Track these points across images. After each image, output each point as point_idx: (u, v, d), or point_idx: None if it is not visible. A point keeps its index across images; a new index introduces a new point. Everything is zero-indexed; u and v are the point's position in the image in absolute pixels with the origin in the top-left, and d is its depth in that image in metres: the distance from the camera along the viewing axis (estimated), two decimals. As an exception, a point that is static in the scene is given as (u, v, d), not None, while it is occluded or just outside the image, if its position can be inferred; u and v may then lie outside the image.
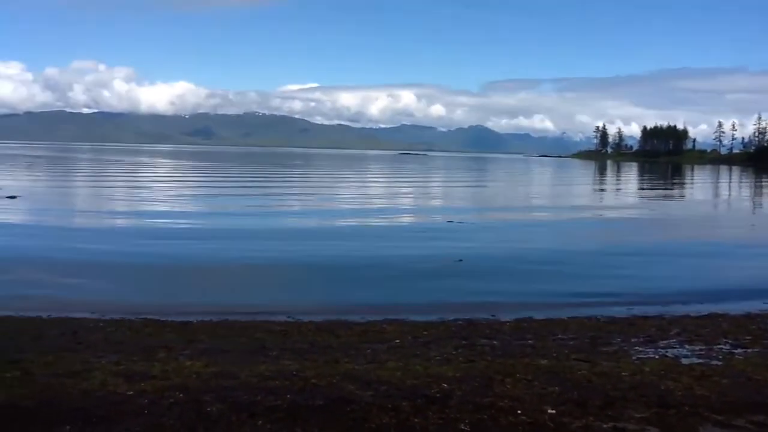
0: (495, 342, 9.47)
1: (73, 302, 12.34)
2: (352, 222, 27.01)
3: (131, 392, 6.56)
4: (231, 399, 6.33)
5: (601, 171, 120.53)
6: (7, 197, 32.71)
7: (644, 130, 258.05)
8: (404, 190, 54.39)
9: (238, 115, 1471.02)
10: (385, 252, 19.20)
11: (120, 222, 27.22)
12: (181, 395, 6.42)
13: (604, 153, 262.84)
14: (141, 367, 7.59)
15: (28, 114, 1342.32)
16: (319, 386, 6.86)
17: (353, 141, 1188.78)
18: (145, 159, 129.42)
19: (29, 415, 5.88)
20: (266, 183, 56.05)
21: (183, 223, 26.02)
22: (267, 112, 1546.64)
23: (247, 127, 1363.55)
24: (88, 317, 10.93)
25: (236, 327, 10.52)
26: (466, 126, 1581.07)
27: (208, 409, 6.04)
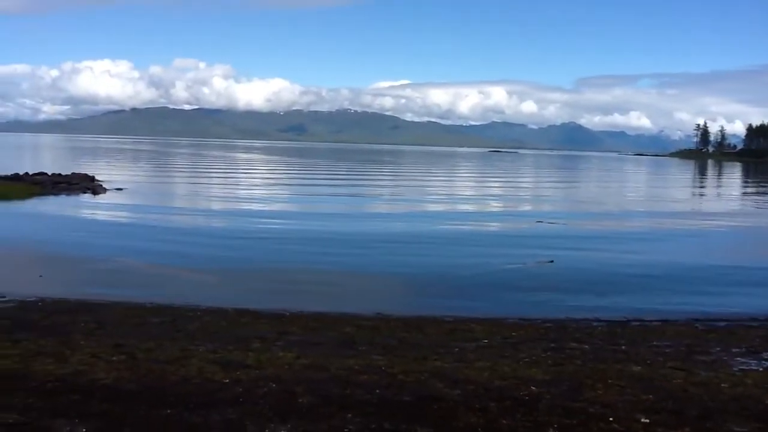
0: (586, 346, 9.24)
1: (172, 291, 12.94)
2: (440, 222, 26.91)
3: (227, 380, 6.83)
4: (321, 391, 6.49)
5: (702, 171, 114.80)
6: (116, 189, 34.66)
7: (750, 128, 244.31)
8: (493, 189, 53.76)
9: (330, 112, 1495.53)
10: (473, 252, 19.05)
11: (215, 214, 28.17)
12: (274, 385, 6.64)
13: (705, 152, 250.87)
14: (236, 356, 7.89)
15: (134, 110, 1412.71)
16: (407, 382, 6.92)
17: (442, 138, 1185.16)
18: (240, 154, 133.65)
19: (133, 396, 6.23)
20: (356, 180, 56.65)
21: (273, 212, 26.69)
22: (358, 109, 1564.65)
23: (338, 123, 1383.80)
24: (186, 306, 11.41)
25: (326, 321, 10.72)
26: (558, 123, 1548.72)
27: (300, 400, 6.21)
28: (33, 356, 7.52)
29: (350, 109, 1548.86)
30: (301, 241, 20.11)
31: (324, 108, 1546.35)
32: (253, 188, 43.01)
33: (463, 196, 44.37)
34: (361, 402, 6.21)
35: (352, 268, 16.43)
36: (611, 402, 6.35)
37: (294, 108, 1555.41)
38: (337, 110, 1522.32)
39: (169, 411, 5.82)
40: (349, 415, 5.81)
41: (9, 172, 37.04)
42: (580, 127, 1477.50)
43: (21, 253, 17.33)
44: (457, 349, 8.76)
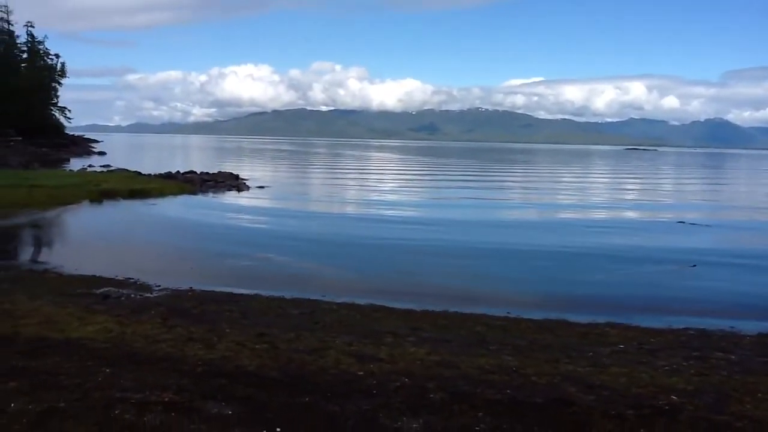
0: (732, 356, 8.68)
1: (309, 285, 13.50)
2: (575, 222, 26.15)
3: (361, 372, 7.07)
4: (452, 388, 6.56)
5: None
6: (258, 187, 36.53)
7: None
8: (631, 186, 51.45)
9: (462, 111, 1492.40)
10: (609, 252, 18.36)
11: (350, 212, 28.91)
12: (406, 380, 6.79)
13: None
14: (370, 349, 8.13)
15: (275, 112, 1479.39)
16: (539, 384, 6.84)
17: (577, 136, 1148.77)
18: (374, 153, 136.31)
19: (275, 383, 6.59)
20: (489, 178, 56.14)
21: (409, 213, 27.05)
22: (489, 108, 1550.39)
23: (469, 122, 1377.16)
24: (324, 300, 11.87)
25: (456, 319, 10.78)
26: (702, 119, 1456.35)
27: (431, 396, 6.32)
28: (185, 341, 8.14)
29: (481, 108, 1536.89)
30: (435, 248, 20.20)
31: (455, 107, 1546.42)
32: (389, 186, 43.69)
33: (599, 194, 42.76)
34: (492, 401, 6.21)
35: (479, 271, 16.39)
36: (762, 417, 5.96)
37: (426, 107, 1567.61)
38: (468, 109, 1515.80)
39: (307, 399, 6.12)
40: (480, 414, 5.84)
41: (164, 171, 40.13)
42: (727, 123, 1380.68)
43: (174, 246, 18.72)
44: (590, 354, 8.53)
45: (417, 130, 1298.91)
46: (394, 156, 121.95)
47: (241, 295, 11.99)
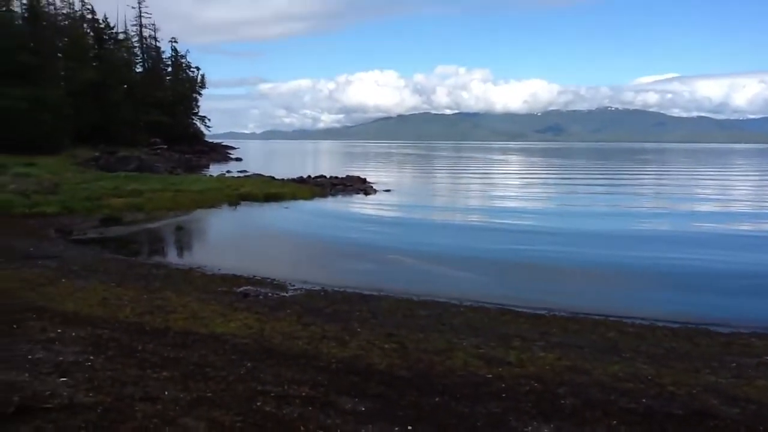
0: None
1: (438, 286, 13.62)
2: (710, 227, 24.57)
3: (490, 375, 7.08)
4: (584, 395, 6.44)
5: None
6: (384, 191, 37.20)
7: None
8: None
9: (589, 111, 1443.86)
10: (750, 260, 17.18)
11: (476, 216, 28.75)
12: (536, 384, 6.73)
13: None
14: (498, 352, 8.11)
15: (400, 117, 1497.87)
16: (677, 395, 6.57)
17: (714, 134, 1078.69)
18: (499, 156, 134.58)
19: (405, 383, 6.74)
20: (621, 181, 53.90)
21: (528, 219, 26.57)
22: (619, 107, 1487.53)
23: (597, 122, 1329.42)
24: (451, 302, 11.95)
25: (587, 324, 10.51)
26: None
27: (562, 401, 6.23)
28: (319, 339, 8.49)
29: (610, 107, 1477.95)
30: (564, 257, 19.75)
31: (582, 107, 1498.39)
32: (513, 188, 43.11)
33: (738, 198, 39.90)
34: (627, 410, 6.04)
35: (614, 268, 15.86)
36: None
37: (551, 108, 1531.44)
38: (596, 108, 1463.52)
39: (437, 399, 6.22)
40: (614, 422, 5.70)
41: (295, 176, 41.79)
42: None
43: (306, 247, 19.48)
44: (734, 365, 8.05)
45: (542, 131, 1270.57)
46: (518, 158, 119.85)
47: (371, 295, 12.31)
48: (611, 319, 10.94)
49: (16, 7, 68.98)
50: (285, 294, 12.29)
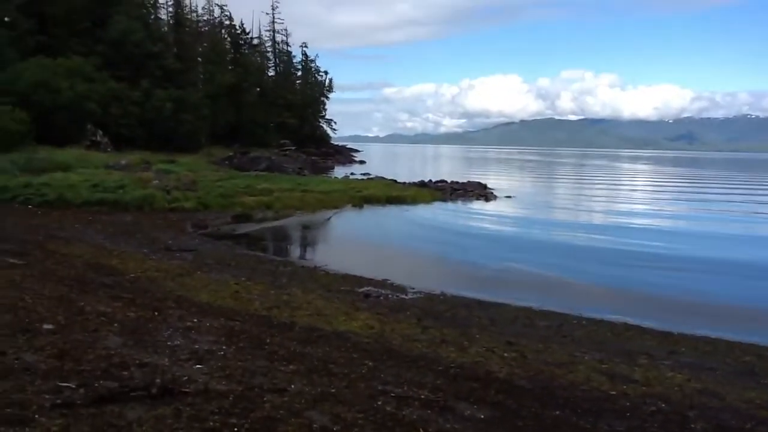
0: None
1: (558, 296, 13.33)
2: None
3: (614, 392, 6.88)
4: (716, 420, 6.12)
5: None
6: (505, 197, 36.77)
7: None
8: None
9: (726, 119, 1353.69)
10: None
11: (599, 227, 27.71)
12: (663, 405, 6.47)
13: None
14: (622, 369, 7.86)
15: (522, 122, 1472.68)
16: (822, 428, 6.10)
17: None
18: (626, 164, 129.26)
19: (524, 392, 6.68)
20: (761, 197, 50.26)
21: (656, 239, 25.32)
22: (760, 114, 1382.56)
23: (735, 131, 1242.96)
24: (572, 313, 11.67)
25: (721, 345, 9.95)
26: None
27: (692, 425, 5.95)
28: (438, 343, 8.56)
29: (750, 115, 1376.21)
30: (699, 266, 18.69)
31: (718, 114, 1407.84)
32: (643, 201, 41.22)
33: None
34: (764, 440, 5.69)
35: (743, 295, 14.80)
36: None
37: (684, 115, 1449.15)
38: (734, 116, 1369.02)
39: (558, 412, 6.11)
40: (749, 452, 5.39)
41: (417, 179, 42.15)
42: None
43: (426, 250, 19.60)
44: None
45: (674, 139, 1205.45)
46: (648, 167, 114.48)
47: (489, 302, 12.25)
48: (747, 342, 10.28)
49: (163, 14, 74.13)
50: (405, 296, 12.47)
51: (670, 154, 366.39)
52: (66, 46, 53.81)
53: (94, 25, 56.91)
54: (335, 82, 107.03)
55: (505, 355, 8.18)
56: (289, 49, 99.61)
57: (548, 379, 7.23)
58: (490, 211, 30.55)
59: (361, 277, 14.21)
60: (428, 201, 32.25)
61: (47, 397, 4.97)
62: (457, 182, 41.67)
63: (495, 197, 36.45)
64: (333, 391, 6.20)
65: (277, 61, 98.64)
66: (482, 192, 37.90)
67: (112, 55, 54.57)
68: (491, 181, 45.78)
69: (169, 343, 7.32)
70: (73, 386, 5.33)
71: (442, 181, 42.43)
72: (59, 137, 41.90)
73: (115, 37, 55.06)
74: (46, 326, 7.00)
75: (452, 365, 7.51)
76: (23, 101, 40.64)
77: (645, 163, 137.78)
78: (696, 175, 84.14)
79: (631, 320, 11.32)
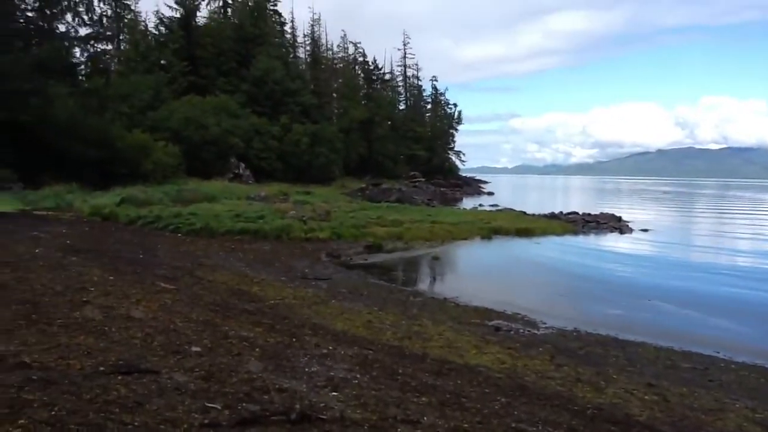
0: None
1: (703, 337, 12.54)
2: None
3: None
4: None
5: None
6: (641, 230, 35.15)
7: None
8: None
9: None
10: None
11: (741, 263, 25.91)
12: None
13: None
14: (781, 419, 7.29)
15: (659, 151, 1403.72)
16: None
17: None
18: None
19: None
20: None
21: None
22: None
23: None
24: (719, 356, 10.95)
25: None
26: None
27: None
28: (573, 382, 8.33)
29: None
30: None
31: None
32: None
33: None
34: None
35: None
36: None
37: None
38: None
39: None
40: None
41: (546, 211, 41.31)
42: None
43: (557, 284, 19.07)
44: None
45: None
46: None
47: (627, 340, 11.76)
48: None
49: (301, 53, 78.15)
50: (536, 331, 12.23)
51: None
52: (214, 85, 58.22)
53: (239, 65, 61.03)
54: (464, 114, 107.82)
55: (646, 397, 7.83)
56: (419, 82, 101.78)
57: (694, 426, 6.84)
58: (624, 245, 29.33)
59: (491, 309, 14.09)
60: (559, 233, 31.46)
61: (196, 416, 5.30)
62: (589, 214, 40.40)
63: (630, 230, 34.94)
64: (466, 426, 6.18)
65: (408, 95, 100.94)
66: (616, 224, 36.48)
67: (255, 92, 58.20)
68: (626, 213, 43.97)
69: (306, 370, 7.58)
70: (219, 407, 5.66)
71: (574, 212, 41.30)
72: (206, 170, 45.02)
73: (258, 76, 58.65)
74: (194, 348, 7.45)
75: (589, 406, 7.29)
76: (176, 137, 44.15)
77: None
78: None
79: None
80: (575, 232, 32.77)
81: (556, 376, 8.53)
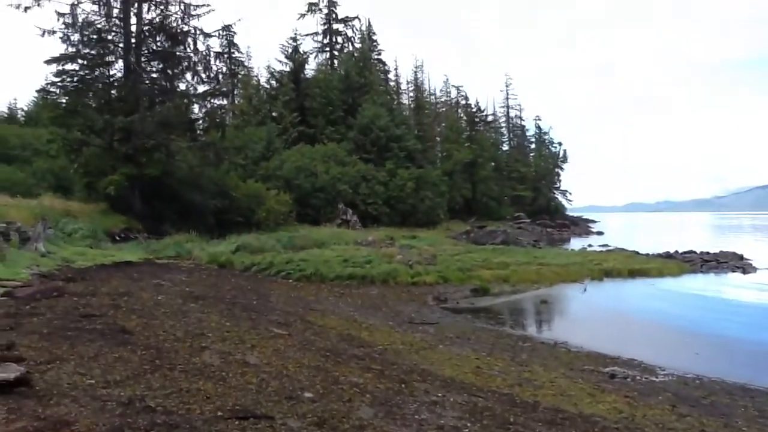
0: None
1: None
2: None
3: None
4: None
5: None
6: (767, 269, 32.92)
7: None
8: None
9: None
10: None
11: None
12: None
13: None
14: None
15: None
16: None
17: None
18: None
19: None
20: None
21: None
22: None
23: None
24: None
25: None
26: None
27: None
28: (697, 433, 7.91)
29: None
30: None
31: None
32: None
33: None
34: None
35: None
36: None
37: None
38: None
39: None
40: None
41: (660, 250, 39.52)
42: None
43: (675, 328, 18.21)
44: None
45: None
46: None
47: (757, 390, 11.02)
48: None
49: (405, 99, 79.93)
50: (654, 378, 11.69)
51: None
52: (322, 134, 60.53)
53: (346, 114, 63.16)
54: (569, 153, 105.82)
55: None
56: (522, 122, 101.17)
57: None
58: (748, 285, 27.55)
59: (604, 355, 13.62)
60: (675, 274, 30.00)
61: (310, 462, 5.46)
62: (707, 253, 38.34)
63: (754, 269, 32.80)
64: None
65: (511, 135, 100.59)
66: (738, 263, 34.36)
67: (361, 139, 59.83)
68: (749, 251, 41.37)
69: (416, 417, 7.59)
70: (334, 454, 5.80)
71: (691, 251, 39.32)
72: (315, 216, 46.50)
73: (364, 124, 60.30)
74: (306, 394, 7.64)
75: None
76: (287, 185, 45.99)
77: None
78: None
79: None
80: (693, 272, 31.17)
81: (678, 427, 8.13)
